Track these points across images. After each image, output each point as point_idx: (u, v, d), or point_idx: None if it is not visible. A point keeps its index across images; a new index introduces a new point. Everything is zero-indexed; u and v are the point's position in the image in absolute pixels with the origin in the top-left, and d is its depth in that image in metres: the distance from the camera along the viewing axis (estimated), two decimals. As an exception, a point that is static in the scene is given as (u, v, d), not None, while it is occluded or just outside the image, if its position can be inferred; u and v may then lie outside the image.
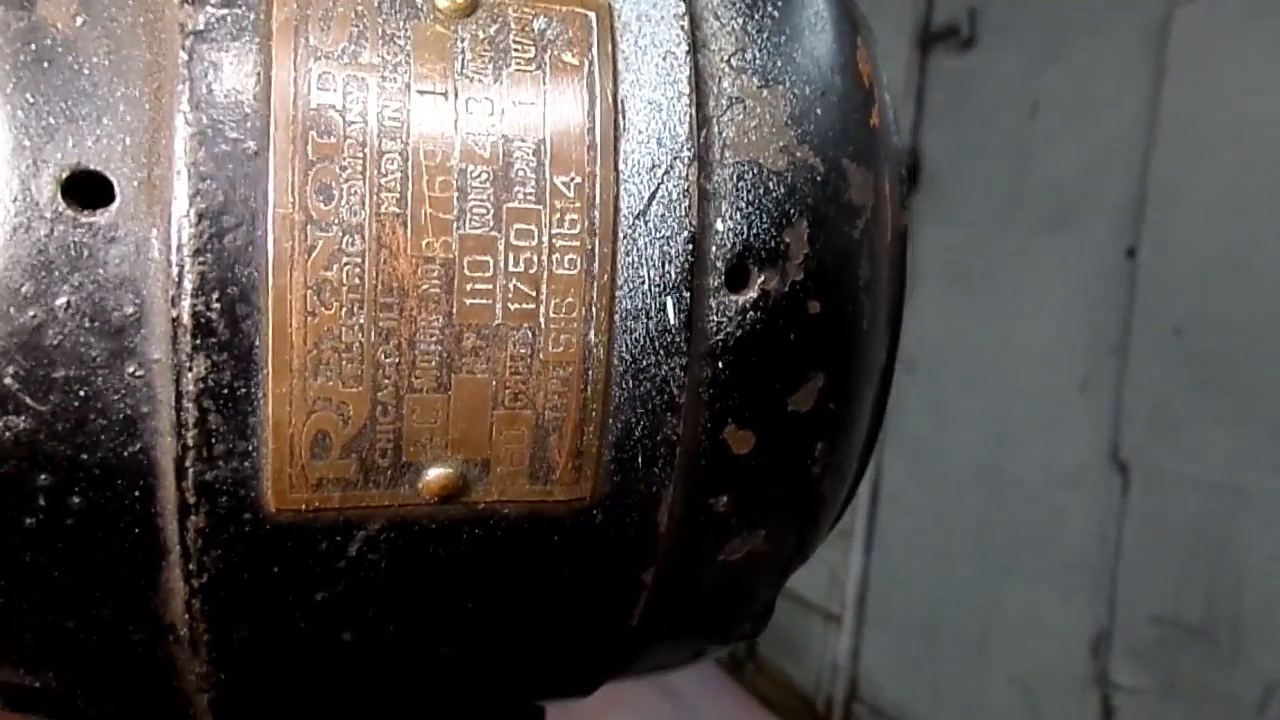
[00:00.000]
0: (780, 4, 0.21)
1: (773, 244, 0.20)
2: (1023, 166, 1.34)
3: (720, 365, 0.20)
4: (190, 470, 0.17)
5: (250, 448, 0.18)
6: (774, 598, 0.26)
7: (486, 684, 0.23)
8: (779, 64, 0.21)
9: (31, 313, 0.16)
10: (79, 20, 0.17)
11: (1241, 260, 1.04)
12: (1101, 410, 1.20)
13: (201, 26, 0.17)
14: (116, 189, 0.17)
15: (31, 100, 0.16)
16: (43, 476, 0.17)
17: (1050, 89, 1.31)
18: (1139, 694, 1.13)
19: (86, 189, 0.17)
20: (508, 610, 0.21)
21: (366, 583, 0.19)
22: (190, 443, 0.17)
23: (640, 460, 0.20)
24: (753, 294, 0.20)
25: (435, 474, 0.19)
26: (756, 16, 0.21)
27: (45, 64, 0.17)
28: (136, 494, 0.18)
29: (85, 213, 0.17)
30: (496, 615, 0.21)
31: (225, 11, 0.17)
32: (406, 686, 0.22)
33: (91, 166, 0.17)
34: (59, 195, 0.16)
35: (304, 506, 0.18)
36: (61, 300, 0.17)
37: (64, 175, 0.16)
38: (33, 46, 0.17)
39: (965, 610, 1.38)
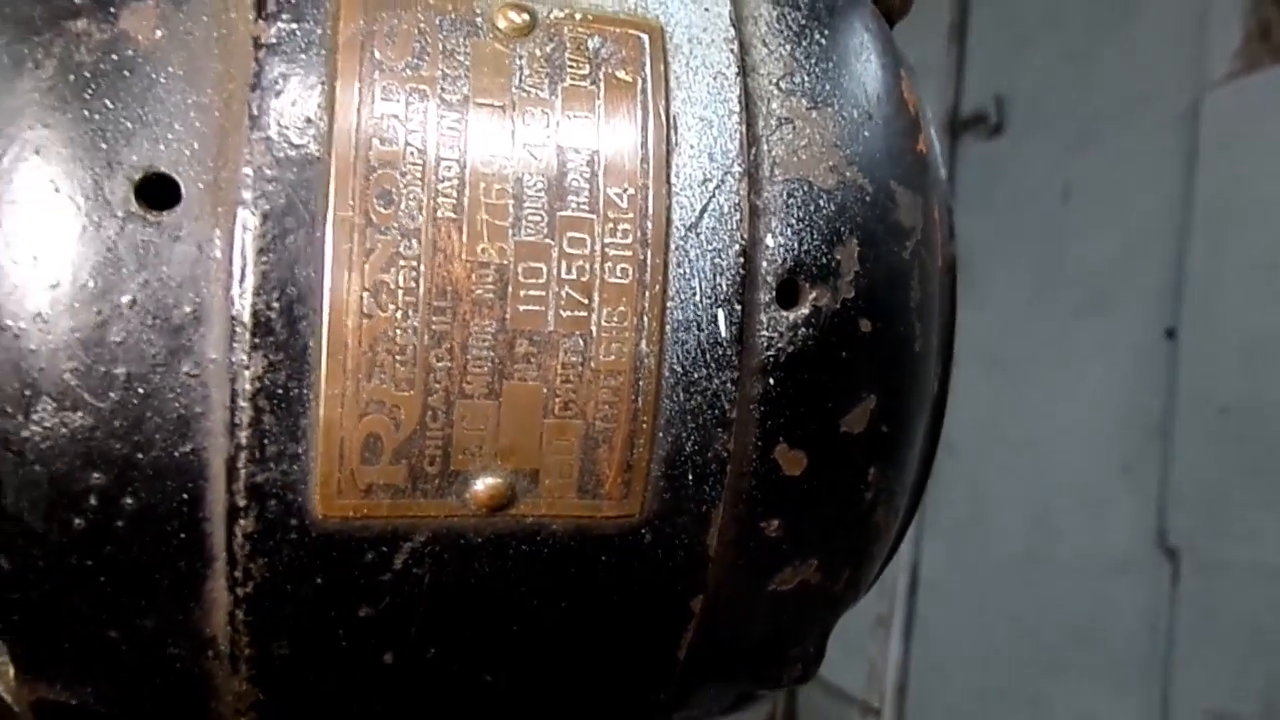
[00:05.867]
0: (827, 33, 0.22)
1: (824, 260, 0.20)
2: (1057, 250, 1.34)
3: (771, 381, 0.20)
4: (242, 472, 0.17)
5: (300, 450, 0.17)
6: (825, 639, 0.25)
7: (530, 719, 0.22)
8: (827, 88, 0.21)
9: (96, 309, 0.17)
10: (158, 33, 0.17)
11: (1286, 340, 1.02)
12: (1146, 494, 1.17)
13: (273, 40, 0.18)
14: (183, 190, 0.17)
15: (110, 105, 0.17)
16: (95, 475, 0.17)
17: (1082, 174, 1.32)
18: (1199, 796, 1.07)
19: (156, 190, 0.17)
20: (553, 636, 0.20)
21: (411, 598, 0.19)
22: (244, 442, 0.17)
23: (690, 477, 0.20)
24: (804, 310, 0.20)
25: (484, 484, 0.19)
26: (804, 44, 0.21)
27: (125, 73, 0.17)
28: (185, 496, 0.18)
29: (153, 213, 0.17)
30: (541, 641, 0.20)
31: (295, 26, 0.18)
32: (449, 718, 0.21)
33: (161, 169, 0.17)
34: (131, 195, 0.17)
35: (352, 514, 0.18)
36: (127, 297, 0.17)
37: (137, 176, 0.17)
38: (114, 56, 0.17)
39: (1010, 705, 1.33)
